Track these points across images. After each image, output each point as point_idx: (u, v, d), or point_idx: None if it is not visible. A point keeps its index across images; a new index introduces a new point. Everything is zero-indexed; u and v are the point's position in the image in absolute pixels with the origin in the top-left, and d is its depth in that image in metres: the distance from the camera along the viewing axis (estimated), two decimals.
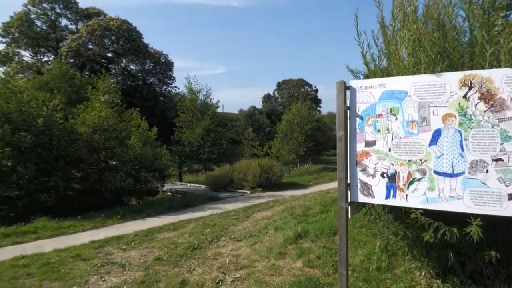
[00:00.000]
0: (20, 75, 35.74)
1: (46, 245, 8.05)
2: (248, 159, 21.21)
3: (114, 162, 14.33)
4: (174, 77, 46.72)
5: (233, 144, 30.05)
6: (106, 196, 13.59)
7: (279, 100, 73.61)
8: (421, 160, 2.93)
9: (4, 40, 40.41)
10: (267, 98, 75.01)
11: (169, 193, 18.87)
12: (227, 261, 5.82)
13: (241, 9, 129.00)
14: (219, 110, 28.36)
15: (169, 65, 46.06)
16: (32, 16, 41.04)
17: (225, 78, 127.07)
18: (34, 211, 11.44)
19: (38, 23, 41.56)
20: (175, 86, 47.44)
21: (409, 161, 3.00)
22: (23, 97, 12.21)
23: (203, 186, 20.16)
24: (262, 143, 32.78)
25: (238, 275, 5.13)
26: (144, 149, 15.54)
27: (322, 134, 32.38)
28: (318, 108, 69.86)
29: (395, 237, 3.74)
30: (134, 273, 5.68)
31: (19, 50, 41.18)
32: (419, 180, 2.95)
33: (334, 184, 17.17)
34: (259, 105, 66.50)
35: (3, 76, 16.76)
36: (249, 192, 16.52)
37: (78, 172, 13.34)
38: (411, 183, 2.99)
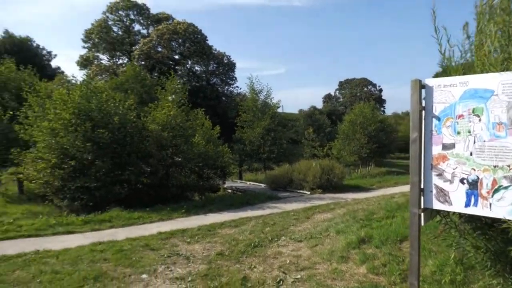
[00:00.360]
0: (99, 77, 39.14)
1: (119, 234, 8.72)
2: (308, 160, 21.00)
3: (180, 159, 15.05)
4: (236, 78, 47.89)
5: (292, 144, 29.96)
6: (172, 190, 14.32)
7: (341, 100, 71.74)
8: (509, 166, 2.65)
9: (86, 45, 44.67)
10: (328, 98, 73.53)
11: (229, 190, 19.35)
12: (288, 261, 5.80)
13: (304, 8, 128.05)
14: (279, 110, 28.45)
15: (231, 66, 47.26)
16: (110, 22, 44.77)
17: (285, 78, 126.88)
18: (109, 202, 12.42)
19: (115, 28, 45.26)
20: (237, 86, 48.51)
21: (495, 166, 2.72)
22: (102, 97, 13.36)
23: (263, 185, 20.35)
24: (322, 143, 32.18)
25: (299, 276, 5.09)
26: (207, 147, 16.11)
27: (386, 136, 30.97)
28: (382, 109, 66.86)
29: (474, 250, 3.43)
30: (198, 265, 5.91)
31: (98, 54, 45.22)
32: (506, 188, 2.66)
33: (399, 189, 16.31)
34: (319, 105, 65.42)
35: (85, 78, 18.44)
36: (308, 193, 16.33)
37: (148, 167, 14.22)
38: (496, 191, 2.71)
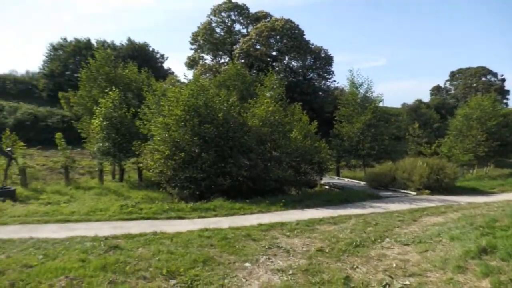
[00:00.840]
0: (203, 76, 42.04)
1: (223, 222, 9.27)
2: (413, 157, 19.44)
3: (278, 153, 15.33)
4: (333, 72, 46.58)
5: (395, 140, 28.01)
6: (270, 184, 14.66)
7: (452, 92, 64.39)
8: None
9: (192, 47, 48.44)
10: (436, 90, 66.69)
11: (326, 187, 19.05)
12: (394, 265, 5.44)
13: None
14: (380, 104, 26.77)
15: (328, 60, 46.17)
16: (213, 24, 47.73)
17: (386, 70, 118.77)
18: (212, 192, 13.32)
19: (218, 30, 48.06)
20: (334, 81, 47.27)
21: None
22: (208, 94, 14.33)
23: (362, 183, 19.55)
24: (429, 140, 29.39)
25: (407, 282, 4.74)
26: (305, 142, 16.08)
27: (510, 132, 26.85)
28: (505, 101, 58.02)
29: None
30: (298, 260, 5.94)
31: (202, 54, 48.64)
32: None
33: None
34: (426, 98, 59.76)
35: (192, 78, 20.00)
36: (414, 193, 15.10)
37: (247, 160, 14.81)
38: None
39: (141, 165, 16.32)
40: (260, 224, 8.71)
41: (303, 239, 7.28)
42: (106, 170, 21.29)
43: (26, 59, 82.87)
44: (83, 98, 22.57)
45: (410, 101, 50.02)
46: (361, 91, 24.25)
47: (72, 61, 40.20)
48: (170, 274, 5.12)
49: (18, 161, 16.03)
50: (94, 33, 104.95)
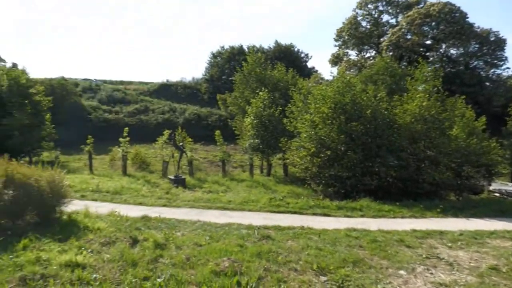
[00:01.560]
0: (347, 72, 41.01)
1: (371, 224, 8.83)
2: None
3: (433, 153, 13.72)
4: (506, 58, 38.84)
5: None
6: (423, 186, 13.26)
7: None
8: None
9: (336, 44, 47.82)
10: None
11: (496, 194, 16.13)
12: None
13: None
14: None
15: (500, 44, 38.78)
16: (359, 18, 46.02)
17: None
18: (358, 191, 12.86)
19: (363, 23, 46.15)
20: (507, 68, 39.36)
21: None
22: (355, 90, 13.88)
23: None
24: None
25: None
26: (469, 141, 13.92)
27: None
28: None
29: None
30: (465, 276, 5.18)
31: (347, 50, 47.50)
32: None
33: None
34: None
35: (337, 75, 19.69)
36: None
37: (397, 160, 13.73)
38: None
39: (287, 161, 17.04)
40: (414, 230, 7.97)
41: (470, 253, 6.30)
42: (255, 164, 23.02)
43: (193, 67, 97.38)
44: (237, 99, 25.06)
45: None
46: None
47: (228, 66, 45.07)
48: (320, 270, 5.16)
49: (187, 154, 18.81)
50: (244, 40, 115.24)
